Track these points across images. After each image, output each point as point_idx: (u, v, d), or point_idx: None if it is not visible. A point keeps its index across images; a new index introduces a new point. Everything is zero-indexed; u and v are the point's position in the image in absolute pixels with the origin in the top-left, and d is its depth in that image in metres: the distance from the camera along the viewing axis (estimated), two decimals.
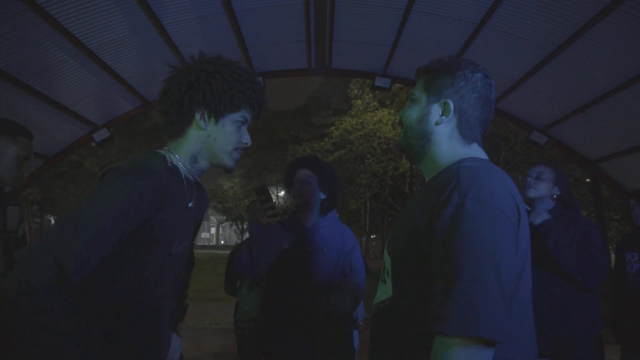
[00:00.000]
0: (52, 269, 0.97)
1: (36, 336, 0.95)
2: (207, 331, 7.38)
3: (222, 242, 68.56)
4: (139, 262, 1.18)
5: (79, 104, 4.52)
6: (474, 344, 0.89)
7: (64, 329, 0.97)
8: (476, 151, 1.17)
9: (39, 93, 3.98)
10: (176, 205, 1.22)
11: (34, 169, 4.89)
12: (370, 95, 19.16)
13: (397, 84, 5.24)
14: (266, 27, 4.31)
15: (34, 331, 0.94)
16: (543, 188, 2.41)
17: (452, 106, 1.16)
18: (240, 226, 34.01)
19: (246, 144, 1.35)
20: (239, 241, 31.47)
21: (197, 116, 1.28)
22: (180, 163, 1.29)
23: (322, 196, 2.30)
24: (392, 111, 17.91)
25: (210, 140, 1.30)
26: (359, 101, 19.09)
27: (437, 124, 1.17)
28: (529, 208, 2.44)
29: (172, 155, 1.29)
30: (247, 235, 3.62)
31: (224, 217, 35.15)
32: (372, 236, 31.20)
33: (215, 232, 69.86)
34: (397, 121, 16.92)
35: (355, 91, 19.80)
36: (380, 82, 5.11)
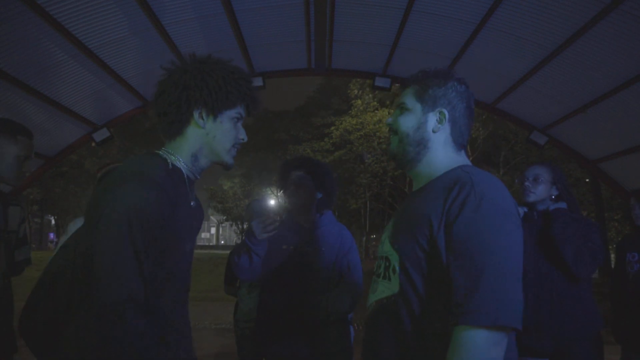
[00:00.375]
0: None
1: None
2: (207, 331, 7.39)
3: (222, 242, 68.62)
4: (159, 266, 1.22)
5: (79, 104, 4.51)
6: (498, 332, 1.00)
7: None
8: (464, 158, 1.30)
9: (39, 93, 3.98)
10: (182, 206, 1.26)
11: (34, 169, 4.89)
12: (370, 95, 19.19)
13: (397, 84, 5.23)
14: (266, 27, 4.31)
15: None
16: (541, 191, 2.40)
17: (447, 115, 1.27)
18: (240, 226, 34.00)
19: (243, 139, 1.39)
20: (238, 241, 31.39)
21: (196, 115, 1.30)
22: (182, 163, 1.31)
23: (318, 195, 2.30)
24: (392, 111, 17.91)
25: (210, 137, 1.32)
26: (359, 101, 19.12)
27: (434, 131, 1.27)
28: (526, 210, 2.45)
29: (172, 157, 1.30)
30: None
31: (224, 217, 35.17)
32: (372, 236, 31.17)
33: (215, 232, 69.92)
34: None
35: (355, 91, 19.82)
36: (380, 82, 5.12)
